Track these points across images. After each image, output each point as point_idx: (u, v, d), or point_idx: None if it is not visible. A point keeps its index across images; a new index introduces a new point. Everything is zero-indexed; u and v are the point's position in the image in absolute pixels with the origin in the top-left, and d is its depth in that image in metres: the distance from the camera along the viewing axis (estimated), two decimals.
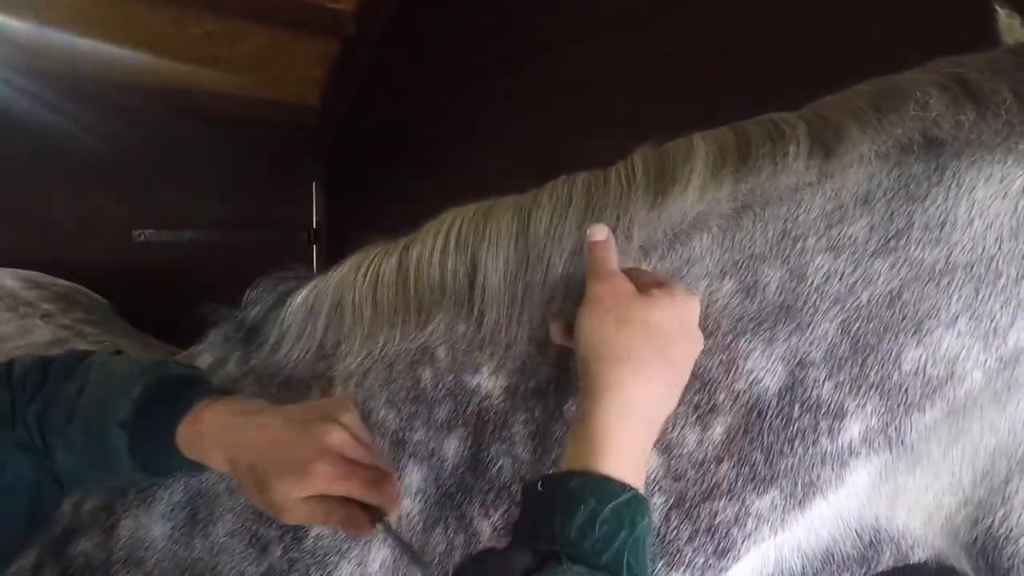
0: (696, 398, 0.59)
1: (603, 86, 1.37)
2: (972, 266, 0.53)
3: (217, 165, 1.87)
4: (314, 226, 2.10)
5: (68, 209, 1.72)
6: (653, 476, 0.59)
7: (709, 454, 0.58)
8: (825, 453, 0.56)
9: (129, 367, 0.67)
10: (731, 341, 0.58)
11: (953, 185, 0.54)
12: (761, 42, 1.16)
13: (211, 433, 0.60)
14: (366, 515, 0.58)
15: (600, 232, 0.59)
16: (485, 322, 0.67)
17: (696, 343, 0.56)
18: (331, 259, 0.78)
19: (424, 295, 0.69)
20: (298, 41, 1.63)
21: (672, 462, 0.59)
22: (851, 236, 0.56)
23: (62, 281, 1.33)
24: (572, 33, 1.42)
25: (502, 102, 1.56)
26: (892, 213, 0.56)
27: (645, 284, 0.56)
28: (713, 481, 0.58)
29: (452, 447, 0.67)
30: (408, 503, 0.68)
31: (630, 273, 0.58)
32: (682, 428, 0.59)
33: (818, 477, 0.57)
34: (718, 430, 0.58)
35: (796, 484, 0.57)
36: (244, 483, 0.59)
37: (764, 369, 0.57)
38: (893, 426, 0.55)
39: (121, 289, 1.48)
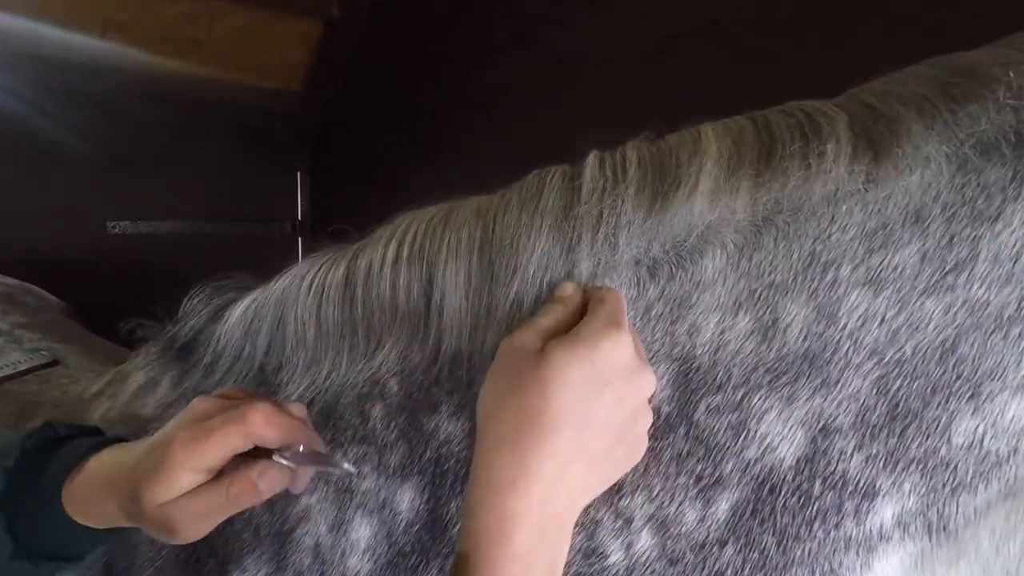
0: (699, 467, 0.48)
1: (600, 70, 1.26)
2: None
3: (196, 153, 1.77)
4: (299, 217, 2.02)
5: (35, 200, 1.61)
6: (646, 558, 0.49)
7: (712, 535, 0.48)
8: (850, 537, 0.46)
9: (6, 435, 0.57)
10: (743, 398, 0.47)
11: None
12: (771, 23, 1.05)
13: (97, 478, 0.51)
14: (266, 462, 0.49)
15: (567, 288, 0.50)
16: (443, 351, 0.56)
17: (620, 387, 0.45)
18: (316, 250, 0.68)
19: (373, 316, 0.59)
20: (278, 23, 1.51)
21: (668, 542, 0.49)
22: (897, 266, 0.45)
23: (10, 280, 1.23)
24: (567, 13, 1.32)
25: (494, 86, 1.46)
26: (952, 238, 0.44)
27: (547, 332, 0.47)
28: (716, 567, 0.47)
29: (406, 499, 0.58)
30: (355, 562, 0.59)
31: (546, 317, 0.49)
32: (681, 503, 0.48)
33: (840, 564, 0.46)
34: (723, 507, 0.48)
35: (814, 572, 0.47)
36: (134, 522, 0.50)
37: (780, 435, 0.46)
38: (935, 509, 0.45)
39: (94, 284, 1.37)
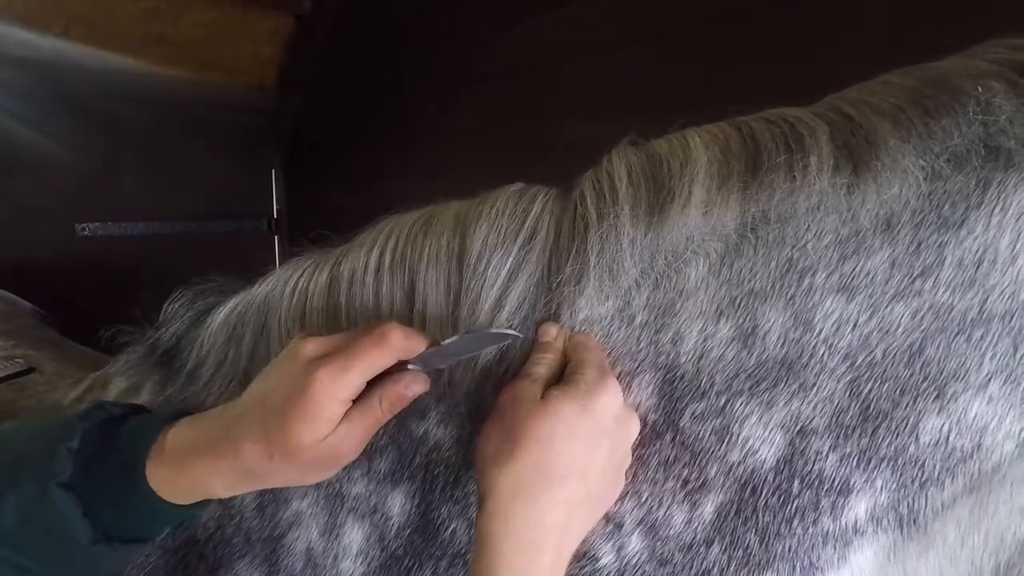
0: (685, 472, 0.50)
1: (583, 62, 1.24)
2: (1011, 316, 0.44)
3: (167, 152, 1.72)
4: (275, 214, 1.99)
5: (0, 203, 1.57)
6: (636, 560, 0.51)
7: (699, 536, 0.50)
8: (827, 532, 0.48)
9: (56, 418, 0.54)
10: (726, 403, 0.48)
11: (997, 209, 0.44)
12: (768, 16, 1.04)
13: (191, 447, 0.49)
14: (408, 373, 0.51)
15: (551, 331, 0.52)
16: None
17: (615, 435, 0.49)
18: (294, 248, 0.67)
19: (358, 324, 0.59)
20: (247, 17, 1.48)
21: (657, 545, 0.51)
22: (869, 273, 0.46)
23: None
24: (548, 4, 1.30)
25: (471, 80, 1.44)
26: (919, 244, 0.45)
27: (542, 379, 0.50)
28: (703, 567, 0.49)
29: (397, 504, 0.58)
30: (348, 565, 0.59)
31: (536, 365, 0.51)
32: (669, 507, 0.50)
33: (818, 558, 0.49)
34: (708, 509, 0.49)
35: (794, 567, 0.49)
36: (270, 473, 0.48)
37: (761, 438, 0.48)
38: (905, 503, 0.47)
39: (63, 289, 1.34)
